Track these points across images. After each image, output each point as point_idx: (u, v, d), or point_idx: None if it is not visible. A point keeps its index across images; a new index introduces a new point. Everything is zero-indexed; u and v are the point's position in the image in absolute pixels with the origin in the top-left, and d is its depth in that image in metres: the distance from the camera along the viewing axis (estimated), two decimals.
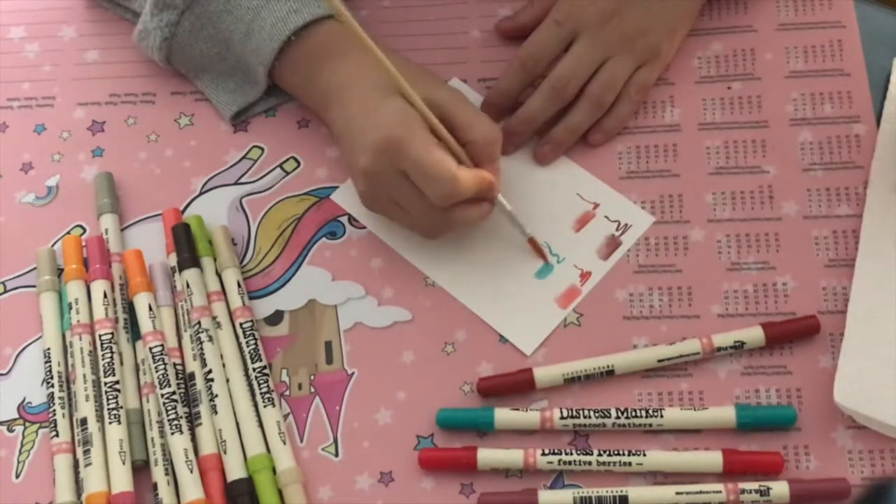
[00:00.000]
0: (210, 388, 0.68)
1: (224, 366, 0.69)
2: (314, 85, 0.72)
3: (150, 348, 0.68)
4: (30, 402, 0.69)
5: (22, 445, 0.68)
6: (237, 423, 0.67)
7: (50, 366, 0.69)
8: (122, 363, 0.69)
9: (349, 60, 0.70)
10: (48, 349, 0.69)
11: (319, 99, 0.72)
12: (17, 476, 0.67)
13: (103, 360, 0.68)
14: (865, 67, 0.76)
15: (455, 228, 0.70)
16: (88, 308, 0.70)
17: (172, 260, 0.72)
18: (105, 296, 0.70)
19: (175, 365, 0.69)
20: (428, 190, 0.66)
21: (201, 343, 0.69)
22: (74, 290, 0.71)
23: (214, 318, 0.70)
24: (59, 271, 0.73)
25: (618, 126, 0.75)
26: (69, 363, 0.69)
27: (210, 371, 0.68)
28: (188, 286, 0.71)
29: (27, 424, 0.69)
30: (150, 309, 0.70)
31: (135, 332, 0.70)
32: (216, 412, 0.67)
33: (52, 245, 0.74)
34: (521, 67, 0.74)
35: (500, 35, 0.78)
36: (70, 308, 0.70)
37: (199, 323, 0.69)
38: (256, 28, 0.72)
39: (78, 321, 0.70)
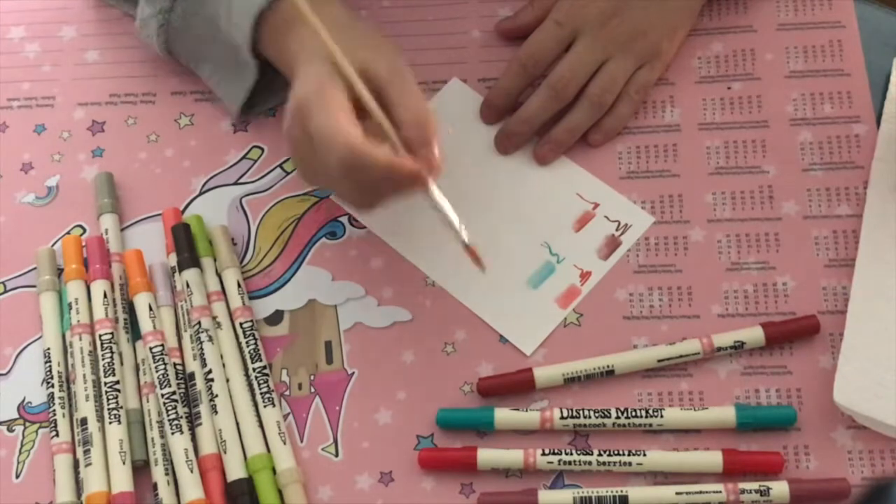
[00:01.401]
0: (210, 388, 0.68)
1: (224, 366, 0.69)
2: (285, 57, 0.69)
3: (151, 348, 0.68)
4: (30, 402, 0.69)
5: (22, 445, 0.68)
6: (237, 423, 0.67)
7: (50, 366, 0.69)
8: (122, 363, 0.69)
9: (305, 30, 0.67)
10: (48, 349, 0.69)
11: (288, 66, 0.69)
12: (17, 476, 0.67)
13: (103, 360, 0.68)
14: (865, 67, 0.76)
15: (378, 204, 0.66)
16: (88, 308, 0.70)
17: (172, 260, 0.72)
18: (105, 296, 0.70)
19: (175, 365, 0.69)
20: (324, 157, 0.63)
21: (201, 343, 0.69)
22: (74, 290, 0.71)
23: (214, 318, 0.70)
24: (59, 271, 0.73)
25: (618, 126, 0.75)
26: (69, 363, 0.69)
27: (210, 371, 0.68)
28: (188, 286, 0.71)
29: (27, 424, 0.69)
30: (151, 309, 0.70)
31: (135, 332, 0.70)
32: (216, 412, 0.67)
33: (52, 245, 0.74)
34: (520, 68, 0.74)
35: (499, 36, 0.78)
36: (70, 308, 0.70)
37: (199, 323, 0.69)
38: (236, 4, 0.71)
39: (78, 321, 0.69)
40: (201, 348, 0.69)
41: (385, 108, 0.64)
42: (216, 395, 0.67)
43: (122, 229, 0.74)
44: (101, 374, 0.68)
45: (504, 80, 0.75)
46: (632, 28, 0.73)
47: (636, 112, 0.75)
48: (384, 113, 0.64)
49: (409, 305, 0.71)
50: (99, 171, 0.76)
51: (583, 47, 0.73)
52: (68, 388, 0.69)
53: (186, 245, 0.72)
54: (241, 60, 0.73)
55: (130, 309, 0.71)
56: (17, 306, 0.72)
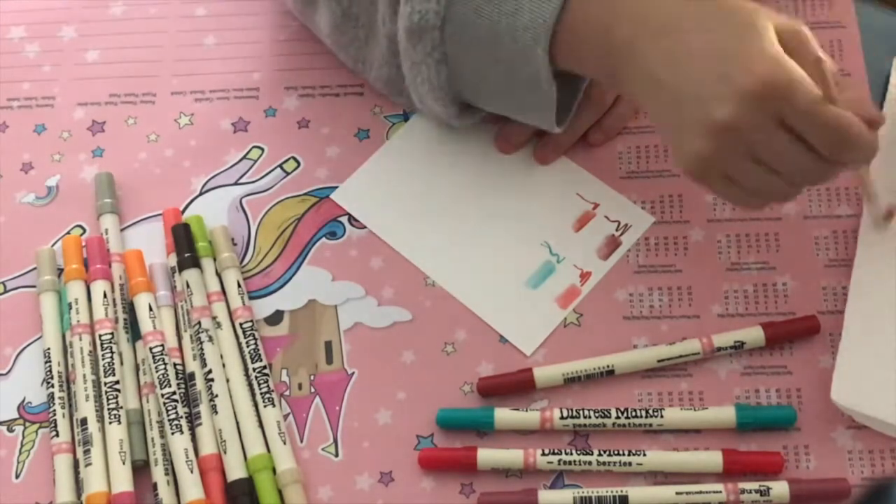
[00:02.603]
0: (210, 388, 0.68)
1: (224, 366, 0.69)
2: (610, 40, 0.61)
3: (151, 348, 0.68)
4: (30, 402, 0.69)
5: (22, 445, 0.68)
6: (237, 423, 0.67)
7: (50, 366, 0.69)
8: (122, 363, 0.69)
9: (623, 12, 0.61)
10: (48, 349, 0.69)
11: (617, 55, 0.61)
12: (17, 476, 0.67)
13: (103, 360, 0.68)
14: (865, 67, 0.76)
15: (825, 179, 0.61)
16: (88, 308, 0.70)
17: (172, 260, 0.72)
18: (105, 296, 0.70)
19: (175, 365, 0.69)
20: (821, 139, 0.57)
21: (201, 343, 0.69)
22: (75, 290, 0.71)
23: (214, 318, 0.70)
24: (59, 271, 0.72)
25: (618, 126, 0.75)
26: (69, 363, 0.69)
27: (210, 371, 0.68)
28: (188, 286, 0.71)
29: (27, 424, 0.69)
30: (151, 309, 0.70)
31: (134, 333, 0.70)
32: (216, 412, 0.67)
33: (52, 245, 0.74)
34: None
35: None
36: (70, 308, 0.70)
37: (199, 323, 0.69)
38: (520, 22, 0.63)
39: (78, 321, 0.69)
40: (201, 348, 0.69)
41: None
42: (216, 395, 0.67)
43: (123, 229, 0.74)
44: (101, 374, 0.68)
45: None
46: None
47: (636, 112, 0.75)
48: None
49: (409, 305, 0.71)
50: (99, 171, 0.76)
51: None
52: (68, 388, 0.69)
53: (187, 245, 0.72)
54: (531, 78, 0.66)
55: (130, 309, 0.71)
56: (17, 306, 0.72)
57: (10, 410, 0.69)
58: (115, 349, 0.69)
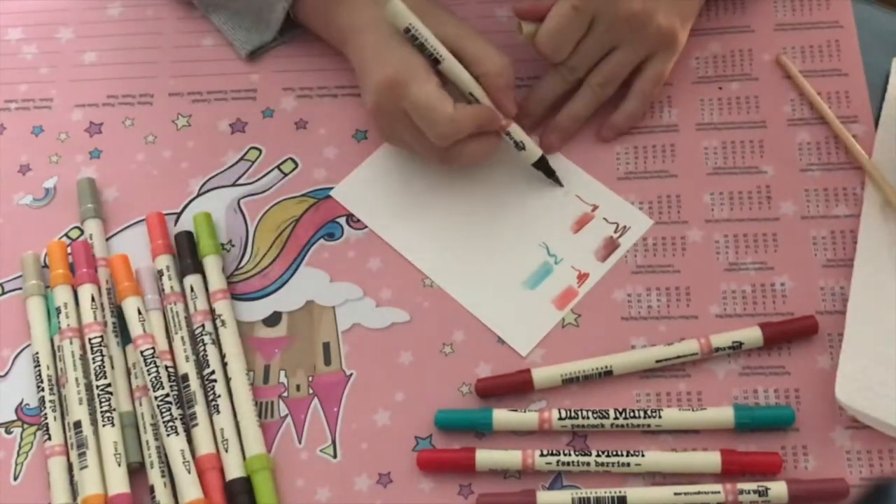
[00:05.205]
0: (213, 388, 0.68)
1: (226, 365, 0.69)
2: (332, 24, 0.75)
3: (142, 351, 0.68)
4: (28, 404, 0.69)
5: (20, 447, 0.68)
6: (237, 423, 0.67)
7: (39, 370, 0.69)
8: (112, 366, 0.69)
9: (357, 2, 0.73)
10: (37, 353, 0.69)
11: (338, 37, 0.75)
12: (16, 478, 0.67)
13: (94, 363, 0.68)
14: (863, 68, 0.76)
15: (463, 163, 0.72)
16: (77, 312, 0.70)
17: (159, 263, 0.72)
18: (93, 300, 0.70)
19: (167, 367, 0.68)
20: (427, 130, 0.69)
21: (205, 345, 0.69)
22: (62, 294, 0.70)
23: (219, 315, 0.70)
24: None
25: (627, 123, 0.74)
26: (59, 367, 0.69)
27: (213, 372, 0.68)
28: (192, 290, 0.70)
29: (25, 426, 0.69)
30: (140, 313, 0.70)
31: (124, 337, 0.70)
32: (218, 411, 0.67)
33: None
34: (554, 70, 0.74)
35: (517, 15, 0.74)
36: (59, 312, 0.70)
37: (202, 326, 0.69)
38: None
39: (68, 325, 0.69)
40: (205, 350, 0.69)
41: (462, 64, 0.70)
42: (219, 396, 0.67)
43: (120, 231, 0.74)
44: (93, 377, 0.68)
45: (542, 84, 0.74)
46: (644, 14, 0.70)
47: (649, 107, 0.74)
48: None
49: (407, 306, 0.71)
50: (92, 174, 0.76)
51: (595, 34, 0.71)
52: (59, 391, 0.69)
53: (189, 251, 0.72)
54: (264, 18, 0.77)
55: (119, 313, 0.71)
56: (15, 308, 0.72)
57: (9, 412, 0.69)
58: (105, 352, 0.68)
